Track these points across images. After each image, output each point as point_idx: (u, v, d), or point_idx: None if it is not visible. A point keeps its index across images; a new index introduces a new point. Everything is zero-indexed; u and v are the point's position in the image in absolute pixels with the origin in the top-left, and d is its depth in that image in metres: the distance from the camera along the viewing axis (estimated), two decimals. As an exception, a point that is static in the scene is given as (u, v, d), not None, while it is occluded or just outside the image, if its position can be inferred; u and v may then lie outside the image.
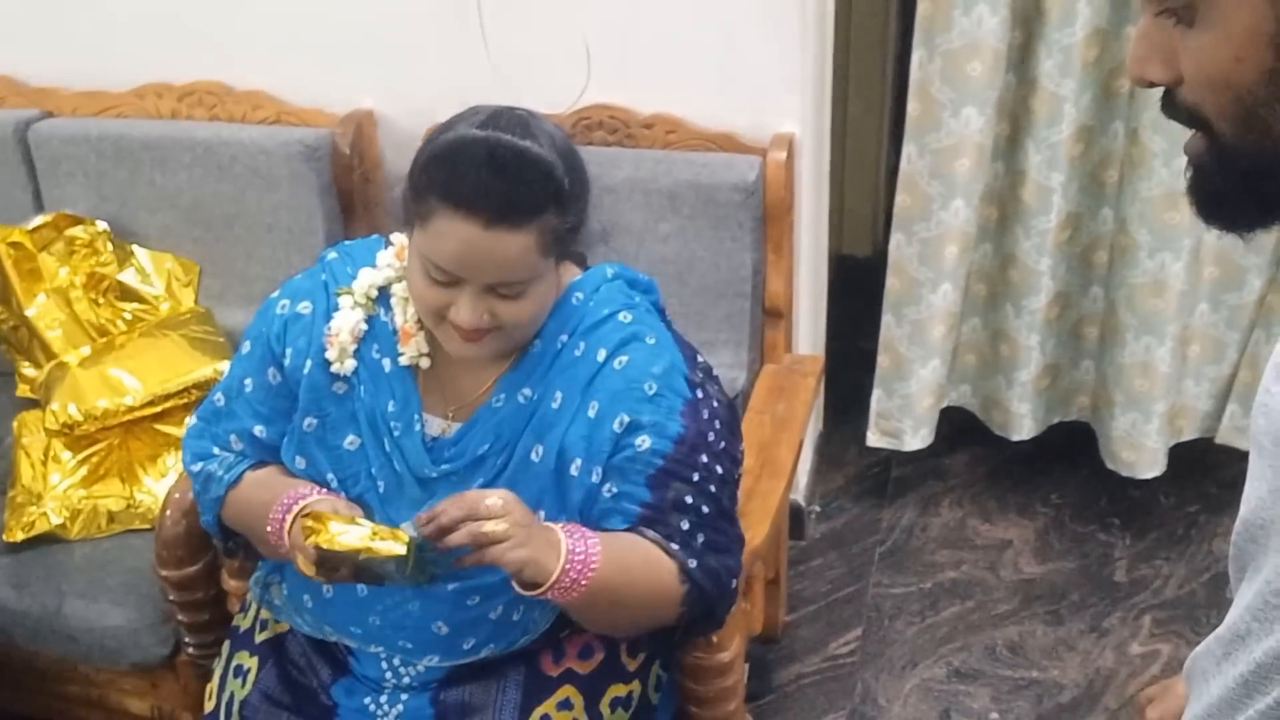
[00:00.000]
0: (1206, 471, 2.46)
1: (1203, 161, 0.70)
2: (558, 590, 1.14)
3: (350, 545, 1.12)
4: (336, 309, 1.28)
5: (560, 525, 1.18)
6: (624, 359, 1.24)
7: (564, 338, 1.26)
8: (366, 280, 1.29)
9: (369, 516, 1.23)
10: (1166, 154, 2.01)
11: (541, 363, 1.26)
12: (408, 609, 1.27)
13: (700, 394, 1.26)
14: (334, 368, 1.27)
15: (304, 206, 2.03)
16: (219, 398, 1.36)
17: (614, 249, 1.88)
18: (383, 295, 1.30)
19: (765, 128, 1.89)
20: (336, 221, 2.05)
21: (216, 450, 1.35)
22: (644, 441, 1.21)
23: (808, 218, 2.01)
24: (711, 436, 1.25)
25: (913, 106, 2.08)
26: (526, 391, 1.25)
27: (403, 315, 1.28)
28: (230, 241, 2.09)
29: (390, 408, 1.27)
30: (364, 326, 1.28)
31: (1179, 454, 2.32)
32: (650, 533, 1.22)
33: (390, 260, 1.30)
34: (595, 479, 1.22)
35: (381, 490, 1.27)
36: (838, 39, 2.19)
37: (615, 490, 1.22)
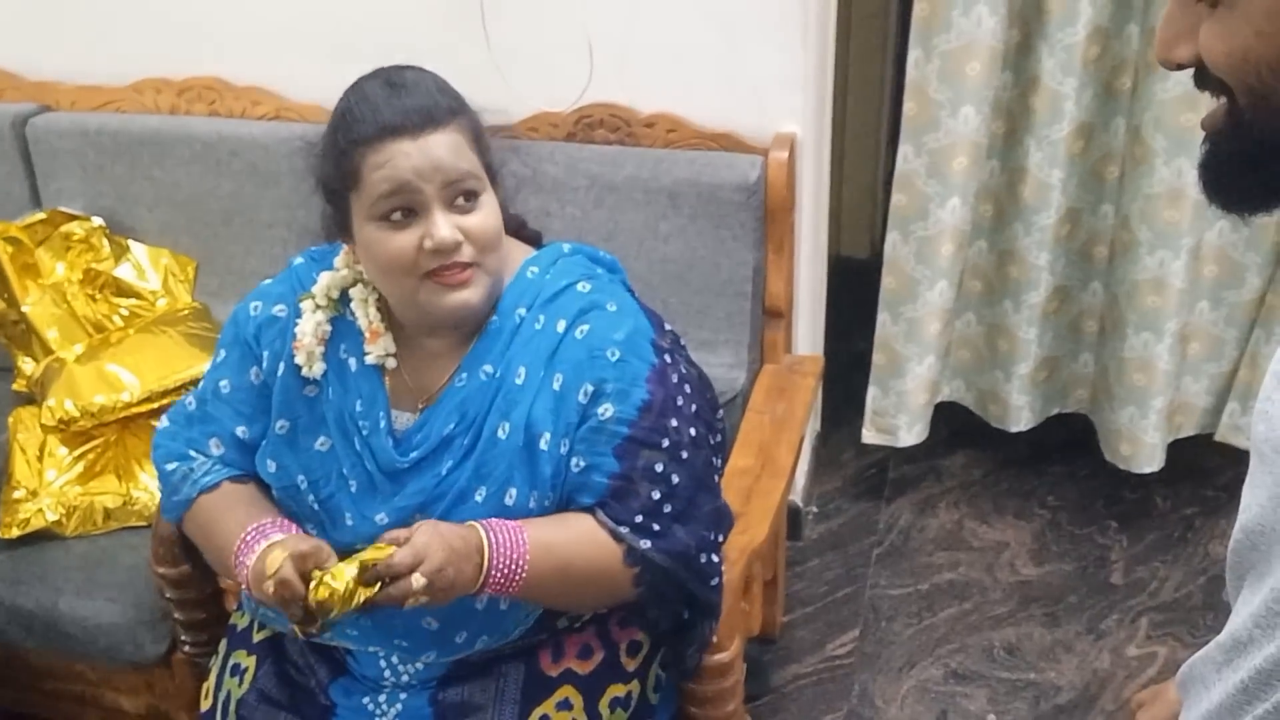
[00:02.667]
0: (1204, 474, 2.46)
1: (1219, 130, 0.72)
2: (490, 590, 1.16)
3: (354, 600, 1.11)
4: (300, 315, 1.28)
5: (486, 528, 1.17)
6: (585, 328, 1.24)
7: (521, 311, 1.25)
8: (325, 283, 1.29)
9: (328, 530, 1.25)
10: (1168, 152, 2.01)
11: (500, 338, 1.25)
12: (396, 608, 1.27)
13: (668, 359, 1.26)
14: (304, 372, 1.27)
15: (302, 203, 2.01)
16: (191, 402, 1.36)
17: (615, 248, 1.88)
18: (345, 296, 1.30)
19: (767, 127, 1.89)
20: (334, 203, 2.04)
21: (193, 454, 1.34)
22: (607, 410, 1.21)
23: (808, 218, 2.01)
24: (680, 400, 1.24)
25: (909, 107, 2.08)
26: (488, 368, 1.24)
27: (364, 316, 1.28)
28: (228, 237, 2.09)
29: (358, 407, 1.27)
30: (328, 328, 1.28)
31: (1176, 457, 2.33)
32: (602, 515, 1.22)
33: (346, 261, 1.30)
34: (564, 450, 1.22)
35: (354, 489, 1.27)
36: (838, 40, 2.18)
37: (583, 464, 1.22)
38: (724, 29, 1.85)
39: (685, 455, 1.24)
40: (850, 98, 3.03)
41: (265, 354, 1.30)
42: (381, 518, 1.25)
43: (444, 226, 1.15)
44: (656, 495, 1.22)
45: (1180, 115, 1.97)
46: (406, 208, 1.15)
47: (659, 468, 1.22)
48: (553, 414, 1.22)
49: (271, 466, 1.30)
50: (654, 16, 1.87)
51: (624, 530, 1.22)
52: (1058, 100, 2.04)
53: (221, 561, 1.28)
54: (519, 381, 1.23)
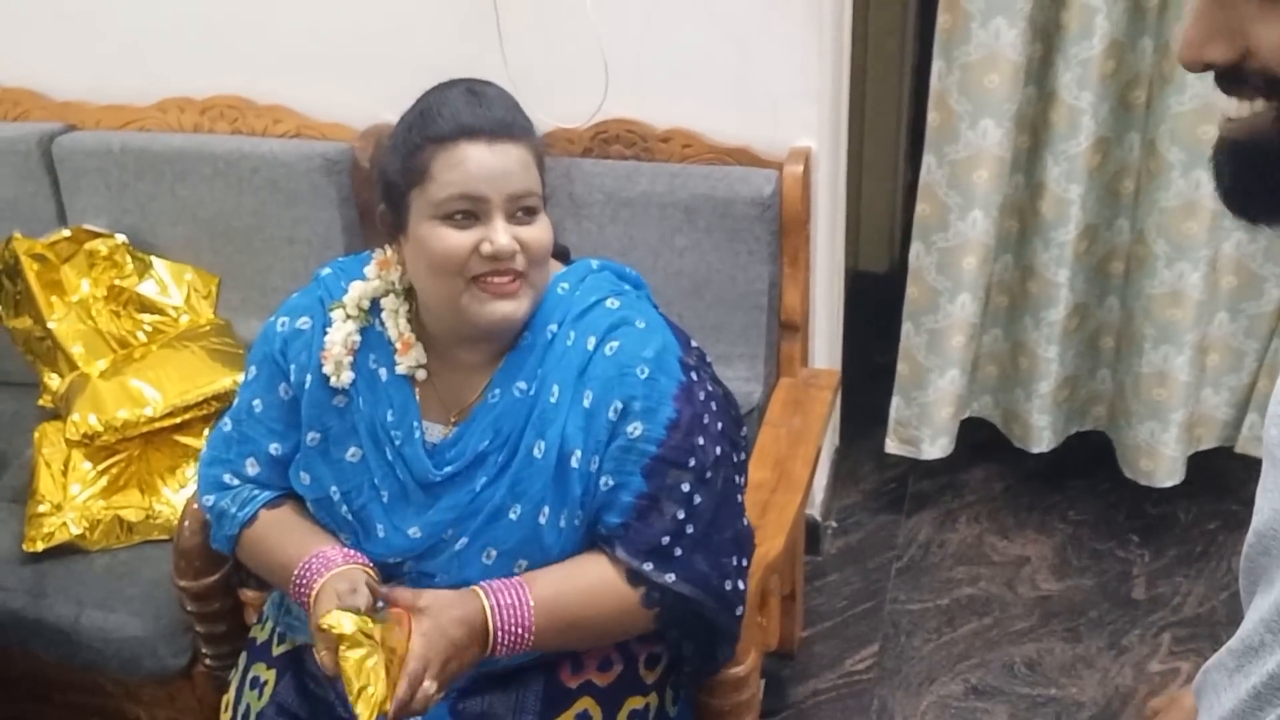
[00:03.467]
0: (1226, 488, 2.44)
1: (1260, 134, 0.67)
2: (498, 654, 1.19)
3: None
4: (330, 324, 1.29)
5: (489, 593, 1.19)
6: (615, 344, 1.24)
7: (553, 328, 1.26)
8: (356, 293, 1.30)
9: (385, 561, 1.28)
10: (1184, 165, 2.00)
11: (532, 354, 1.26)
12: None
13: (695, 376, 1.26)
14: (332, 381, 1.28)
15: (324, 219, 2.05)
16: (227, 424, 1.38)
17: (631, 262, 1.88)
18: (375, 306, 1.31)
19: (782, 142, 1.90)
20: (356, 234, 2.07)
21: (229, 478, 1.36)
22: (636, 428, 1.21)
23: (824, 231, 2.01)
24: (707, 418, 1.25)
25: (932, 117, 2.08)
26: (521, 385, 1.25)
27: (395, 326, 1.29)
28: (250, 254, 2.11)
29: (389, 417, 1.28)
30: (357, 338, 1.29)
31: (1198, 470, 2.31)
32: (621, 553, 1.22)
33: (376, 272, 1.31)
34: (594, 468, 1.22)
35: (385, 500, 1.28)
36: (855, 54, 2.19)
37: (612, 483, 1.22)
38: (739, 44, 1.87)
39: (709, 475, 1.24)
40: (868, 112, 3.03)
41: (292, 368, 1.31)
42: (414, 531, 1.26)
43: (503, 234, 1.18)
44: (680, 515, 1.22)
45: (1196, 128, 1.97)
46: (470, 211, 1.18)
47: (685, 487, 1.22)
48: (583, 431, 1.22)
49: (305, 479, 1.31)
50: (669, 32, 1.89)
51: (647, 567, 1.22)
52: (1075, 115, 2.04)
53: (285, 590, 1.32)
54: (553, 400, 1.24)
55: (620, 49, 1.90)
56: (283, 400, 1.33)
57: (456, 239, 1.18)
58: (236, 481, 1.36)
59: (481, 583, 1.20)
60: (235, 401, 1.38)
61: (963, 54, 2.00)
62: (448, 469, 1.26)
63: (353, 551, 1.28)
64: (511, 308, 1.21)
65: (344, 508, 1.29)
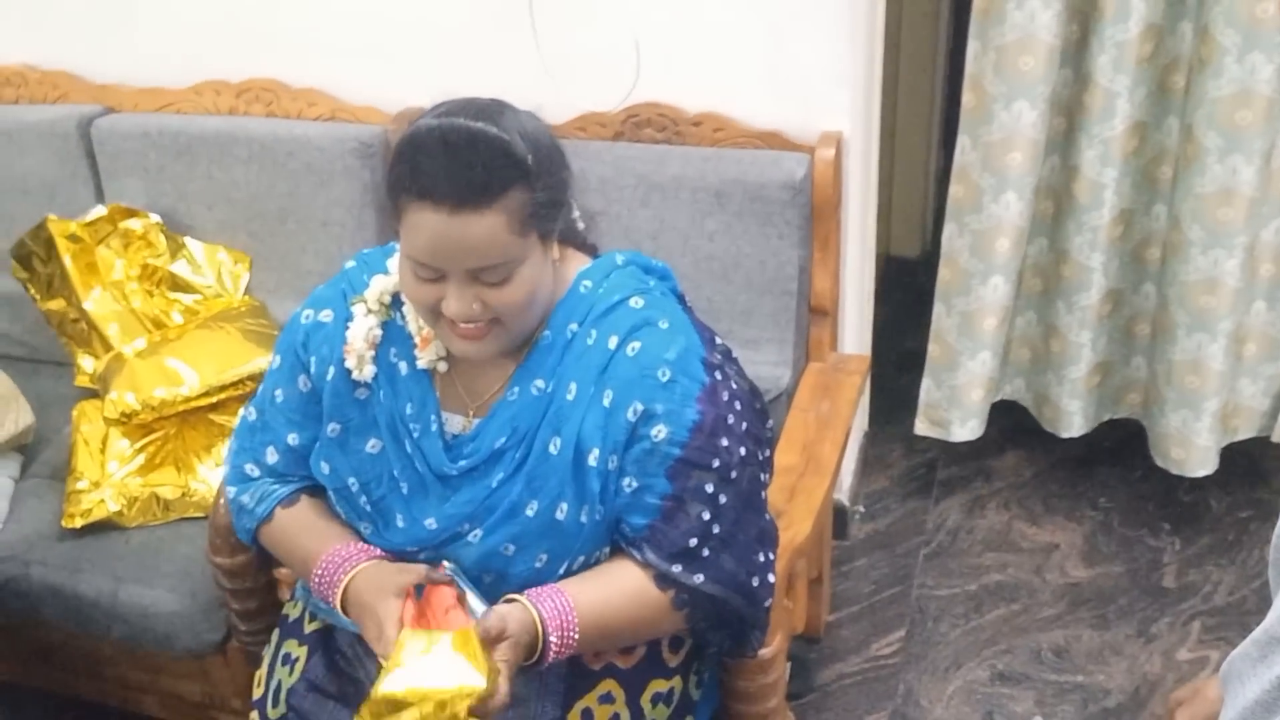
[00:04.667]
0: (1259, 476, 2.42)
1: None
2: (547, 660, 1.20)
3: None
4: (352, 318, 1.30)
5: (536, 604, 1.20)
6: (636, 345, 1.22)
7: (574, 326, 1.25)
8: (378, 287, 1.30)
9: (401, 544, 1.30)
10: (1220, 150, 1.98)
11: (552, 353, 1.25)
12: None
13: (719, 375, 1.25)
14: (354, 375, 1.29)
15: (357, 202, 2.07)
16: (251, 413, 1.39)
17: (661, 246, 1.89)
18: (396, 300, 1.31)
19: (813, 126, 1.89)
20: (388, 218, 2.08)
21: (250, 468, 1.38)
22: (660, 431, 1.20)
23: (855, 216, 2.01)
24: (731, 419, 1.24)
25: (967, 98, 2.07)
26: (539, 383, 1.25)
27: (415, 321, 1.29)
28: (284, 236, 2.13)
29: (408, 410, 1.28)
30: (379, 332, 1.29)
31: (1231, 458, 2.29)
32: (650, 556, 1.23)
33: (399, 265, 1.31)
34: (612, 467, 1.22)
35: (405, 491, 1.29)
36: (888, 38, 2.18)
37: (635, 485, 1.22)
38: (771, 28, 1.86)
39: (734, 475, 1.24)
40: (901, 96, 3.01)
41: (313, 360, 1.32)
42: (431, 523, 1.27)
43: (459, 302, 1.15)
44: (706, 516, 1.22)
45: (1234, 113, 1.95)
46: (433, 270, 1.16)
47: (709, 488, 1.22)
48: (601, 430, 1.22)
49: (325, 469, 1.32)
50: (701, 16, 1.88)
51: (676, 569, 1.22)
52: (1110, 98, 2.02)
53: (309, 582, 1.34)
54: (570, 397, 1.23)
55: (652, 32, 1.90)
56: (301, 393, 1.34)
57: (421, 289, 1.17)
58: (258, 472, 1.38)
59: (525, 593, 1.21)
60: (260, 390, 1.39)
61: (998, 35, 1.99)
62: (463, 463, 1.27)
63: (368, 546, 1.30)
64: (478, 348, 1.20)
65: (363, 498, 1.31)
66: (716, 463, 1.22)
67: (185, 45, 2.18)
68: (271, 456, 1.36)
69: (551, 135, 1.21)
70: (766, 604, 1.30)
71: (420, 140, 1.13)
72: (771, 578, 1.30)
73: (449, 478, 1.27)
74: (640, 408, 1.20)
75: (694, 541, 1.22)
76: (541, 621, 1.19)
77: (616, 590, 1.24)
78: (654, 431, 1.20)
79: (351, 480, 1.31)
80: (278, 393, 1.35)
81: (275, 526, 1.37)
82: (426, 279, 1.16)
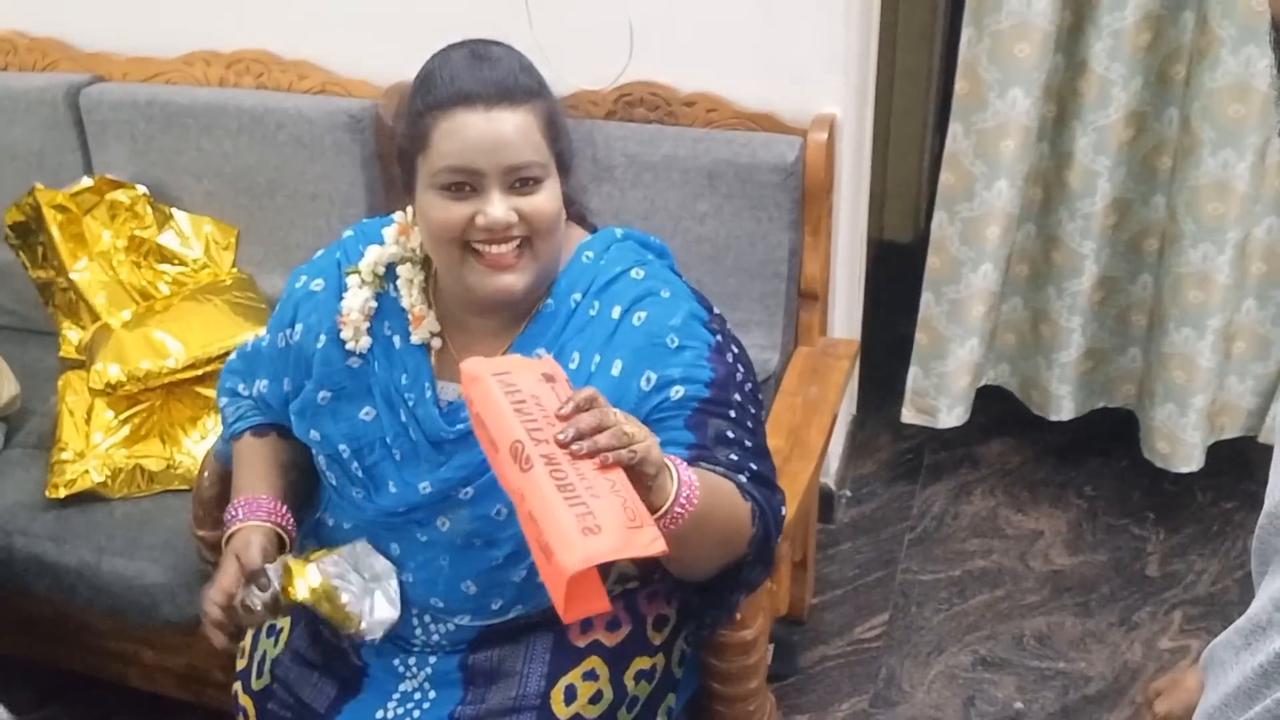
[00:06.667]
0: (1245, 468, 2.43)
1: None
2: (676, 509, 1.04)
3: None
4: (346, 288, 1.31)
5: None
6: (642, 314, 1.23)
7: (576, 296, 1.26)
8: (372, 258, 1.31)
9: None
10: (1214, 143, 1.98)
11: (554, 322, 1.25)
12: (437, 566, 1.29)
13: (721, 337, 1.27)
14: (349, 345, 1.29)
15: (347, 176, 2.05)
16: (249, 342, 1.45)
17: (652, 227, 1.89)
18: (390, 272, 1.31)
19: (807, 108, 1.89)
20: (378, 191, 2.07)
21: (241, 388, 1.43)
22: (678, 391, 1.20)
23: (847, 200, 2.00)
24: (739, 375, 1.25)
25: (960, 85, 2.07)
26: (540, 352, 1.24)
27: (409, 296, 1.29)
28: (273, 209, 2.12)
29: (403, 380, 1.29)
30: (374, 304, 1.30)
31: (1218, 451, 2.30)
32: (708, 465, 1.19)
33: (395, 237, 1.31)
34: None
35: (398, 458, 1.29)
36: (884, 21, 2.17)
37: (658, 441, 1.19)
38: (765, 9, 1.85)
39: (750, 424, 1.24)
40: (897, 81, 3.00)
41: (299, 326, 1.33)
42: (425, 486, 1.27)
43: (498, 206, 1.16)
44: (735, 457, 1.20)
45: (1229, 106, 1.94)
46: (466, 183, 1.17)
47: (730, 434, 1.21)
48: (610, 398, 1.16)
49: (315, 435, 1.33)
50: (696, -4, 1.87)
51: (740, 477, 1.18)
52: (1105, 86, 2.01)
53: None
54: (573, 366, 1.24)
55: (646, 11, 1.89)
56: (277, 347, 1.36)
57: (452, 210, 1.17)
58: (246, 391, 1.42)
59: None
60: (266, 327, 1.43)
61: (994, 22, 1.98)
62: (460, 426, 1.27)
63: (275, 508, 1.34)
64: (510, 280, 1.20)
65: (354, 464, 1.31)
66: (732, 413, 1.22)
67: (176, 15, 2.16)
68: (259, 387, 1.40)
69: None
70: (779, 537, 1.25)
71: (447, 57, 1.20)
72: (784, 511, 1.26)
73: (443, 443, 1.27)
74: (654, 376, 1.21)
75: (737, 472, 1.18)
76: (674, 466, 1.06)
77: (719, 483, 1.14)
78: (673, 392, 1.20)
79: (343, 446, 1.31)
80: (265, 339, 1.40)
81: (239, 447, 1.41)
82: (459, 194, 1.17)
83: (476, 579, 1.29)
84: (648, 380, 1.21)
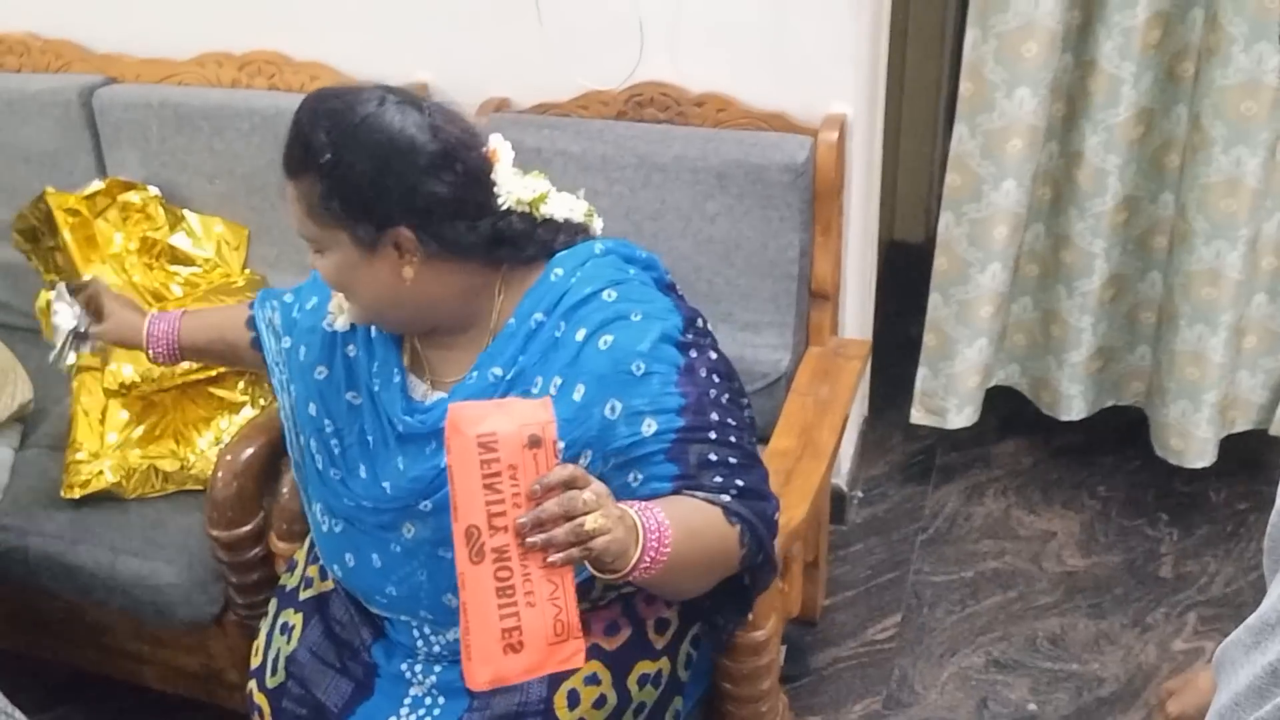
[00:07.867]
0: (1258, 468, 2.42)
1: None
2: (638, 572, 1.05)
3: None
4: None
5: (629, 504, 1.09)
6: (609, 339, 1.20)
7: (539, 316, 1.24)
8: None
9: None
10: (1225, 140, 1.97)
11: (513, 342, 1.25)
12: (417, 580, 1.30)
13: (693, 354, 1.23)
14: (327, 321, 1.35)
15: (358, 178, 2.05)
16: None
17: (662, 227, 1.89)
18: None
19: (817, 108, 1.88)
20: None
21: (286, 297, 1.49)
22: (650, 425, 1.18)
23: (858, 200, 2.00)
24: (714, 392, 1.22)
25: (965, 87, 2.06)
26: (496, 370, 1.24)
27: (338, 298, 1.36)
28: (285, 210, 2.12)
29: (375, 368, 1.32)
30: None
31: (1230, 450, 2.29)
32: (692, 492, 1.19)
33: None
34: (584, 461, 1.19)
35: (371, 445, 1.31)
36: (895, 21, 2.17)
37: (641, 477, 1.20)
38: (776, 9, 1.85)
39: (732, 439, 1.23)
40: (908, 79, 3.00)
41: (315, 299, 1.41)
42: (387, 487, 1.29)
43: (312, 261, 1.27)
44: (719, 479, 1.20)
45: (1240, 103, 1.93)
46: None
47: (713, 456, 1.20)
48: (571, 424, 1.19)
49: (312, 409, 1.36)
50: (707, -4, 1.87)
51: (723, 498, 1.18)
52: (1115, 84, 2.01)
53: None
54: (534, 390, 1.22)
55: (656, 11, 1.89)
56: (285, 303, 1.46)
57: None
58: (289, 299, 1.48)
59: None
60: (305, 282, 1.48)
61: (1000, 22, 1.98)
62: (413, 420, 1.27)
63: (174, 319, 1.54)
64: (342, 320, 1.32)
65: (334, 441, 1.34)
66: (713, 434, 1.21)
67: (188, 16, 2.17)
68: (310, 304, 1.43)
69: (405, 144, 1.18)
70: (776, 542, 1.25)
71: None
72: (779, 517, 1.26)
73: (404, 441, 1.28)
74: (618, 405, 1.19)
75: (723, 497, 1.19)
76: (638, 517, 1.06)
77: (687, 510, 1.15)
78: (644, 427, 1.19)
79: (327, 423, 1.35)
80: (288, 296, 1.47)
81: (235, 307, 1.59)
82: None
83: (456, 592, 1.28)
84: (612, 409, 1.19)
